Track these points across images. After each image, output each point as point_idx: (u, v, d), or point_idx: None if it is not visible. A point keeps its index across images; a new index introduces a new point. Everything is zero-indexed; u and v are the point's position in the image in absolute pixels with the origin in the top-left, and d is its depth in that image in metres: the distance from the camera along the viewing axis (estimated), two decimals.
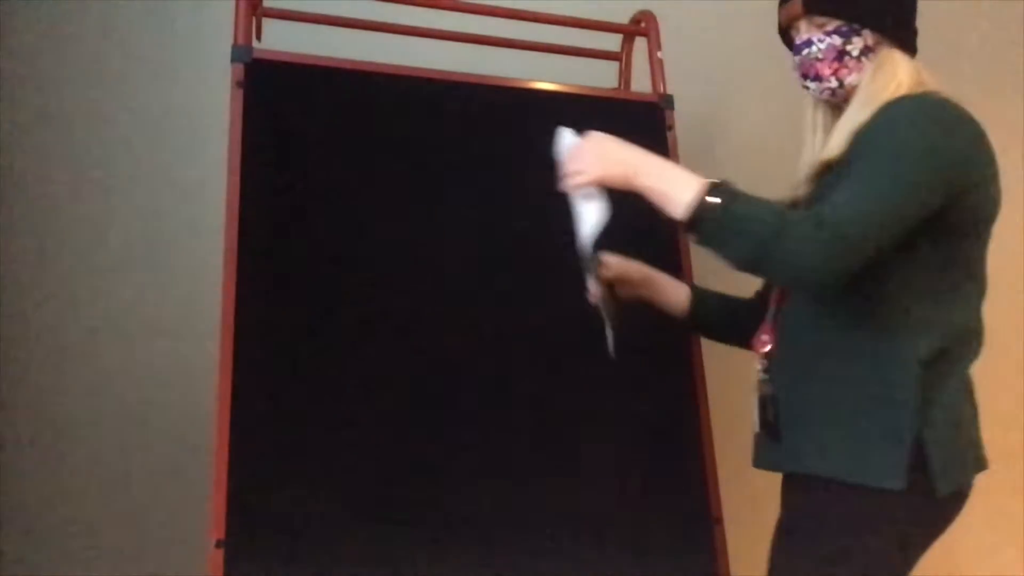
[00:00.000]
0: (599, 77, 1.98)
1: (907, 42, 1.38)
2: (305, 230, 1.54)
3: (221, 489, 1.38)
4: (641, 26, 1.91)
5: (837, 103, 1.40)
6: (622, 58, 1.96)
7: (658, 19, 1.91)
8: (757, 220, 1.17)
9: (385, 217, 1.60)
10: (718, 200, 1.19)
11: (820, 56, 1.36)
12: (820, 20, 1.36)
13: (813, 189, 1.38)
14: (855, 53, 1.35)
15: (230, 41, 1.58)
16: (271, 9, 1.72)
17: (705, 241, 1.22)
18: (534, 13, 1.85)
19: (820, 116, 1.44)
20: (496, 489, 1.54)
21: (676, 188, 1.23)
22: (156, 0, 2.00)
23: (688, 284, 1.65)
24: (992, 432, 2.64)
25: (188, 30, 2.01)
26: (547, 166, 1.66)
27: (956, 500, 1.32)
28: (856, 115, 1.32)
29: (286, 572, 1.39)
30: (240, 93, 1.54)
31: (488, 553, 1.51)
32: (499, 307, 1.63)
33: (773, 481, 1.45)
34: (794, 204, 1.40)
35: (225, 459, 1.39)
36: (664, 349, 1.72)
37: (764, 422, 1.39)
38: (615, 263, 1.57)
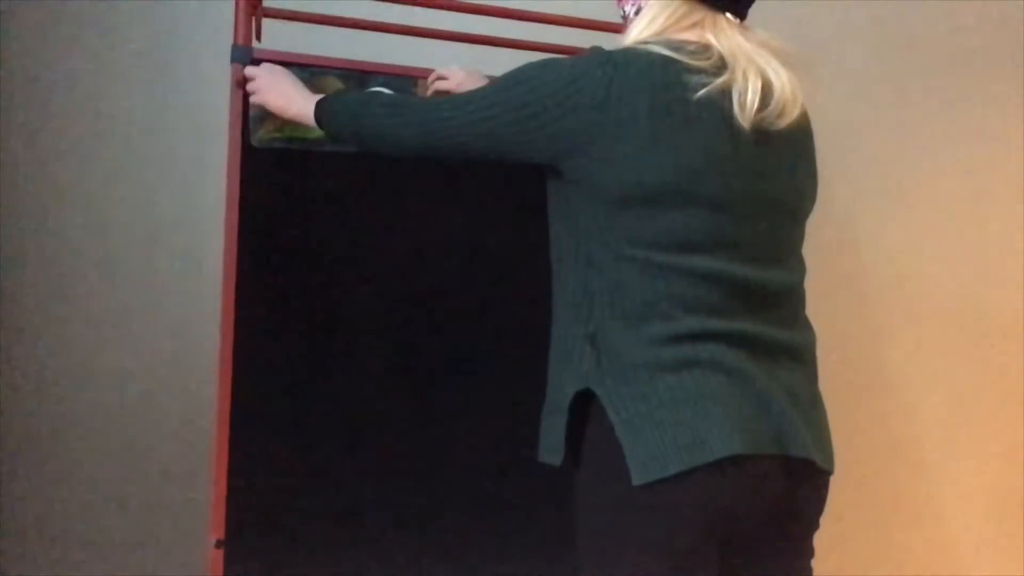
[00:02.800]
0: None
1: None
2: (305, 230, 1.54)
3: (221, 489, 1.38)
4: None
5: None
6: None
7: None
8: (347, 110, 1.34)
9: (385, 216, 1.60)
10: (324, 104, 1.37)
11: None
12: None
13: None
14: None
15: (230, 41, 1.58)
16: (271, 9, 1.72)
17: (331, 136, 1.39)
18: (534, 13, 1.85)
19: None
20: (496, 489, 1.54)
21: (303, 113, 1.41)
22: (156, 0, 2.00)
23: None
24: (993, 433, 2.65)
25: (188, 30, 2.01)
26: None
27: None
28: None
29: (286, 572, 1.39)
30: (240, 93, 1.54)
31: (488, 553, 1.51)
32: (499, 307, 1.63)
33: None
34: None
35: (225, 459, 1.39)
36: None
37: None
38: (455, 74, 1.63)
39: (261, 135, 1.54)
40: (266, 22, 1.74)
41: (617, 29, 1.92)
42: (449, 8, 1.81)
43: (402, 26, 1.81)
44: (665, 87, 1.10)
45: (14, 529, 1.90)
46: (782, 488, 1.11)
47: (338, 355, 1.51)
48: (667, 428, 1.06)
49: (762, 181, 1.15)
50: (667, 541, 1.06)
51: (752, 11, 1.36)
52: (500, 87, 1.18)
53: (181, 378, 1.98)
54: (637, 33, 1.21)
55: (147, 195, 1.99)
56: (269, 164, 1.54)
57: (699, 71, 1.12)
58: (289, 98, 1.44)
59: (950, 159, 2.63)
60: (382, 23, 1.78)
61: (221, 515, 1.37)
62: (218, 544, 1.36)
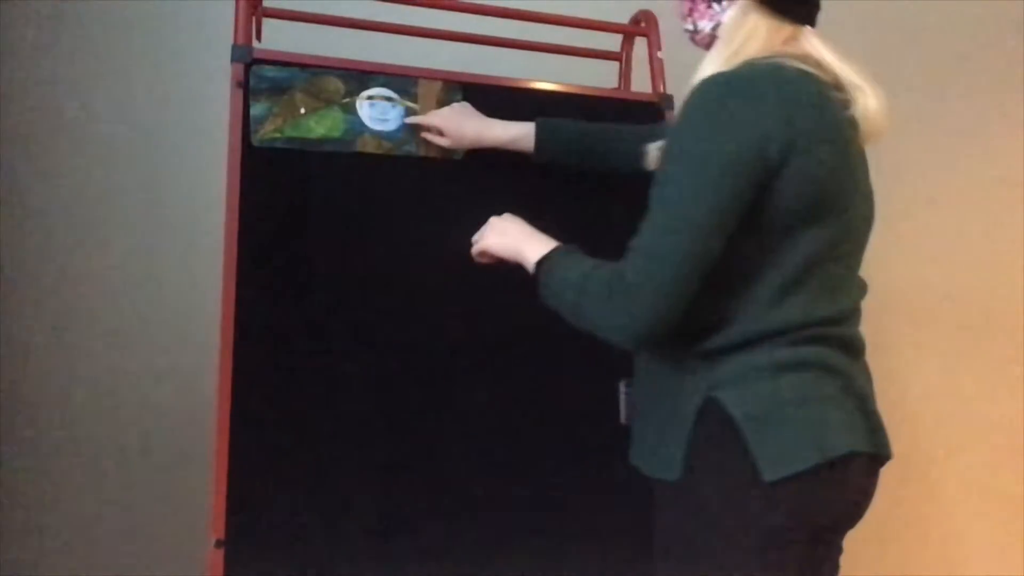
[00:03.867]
0: (599, 77, 1.98)
1: (777, 5, 1.20)
2: (306, 230, 1.54)
3: (221, 489, 1.38)
4: (641, 26, 1.91)
5: (702, 49, 1.30)
6: (622, 58, 1.96)
7: (658, 19, 1.91)
8: (568, 288, 1.19)
9: (385, 216, 1.60)
10: (540, 275, 1.26)
11: None
12: None
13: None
14: None
15: (230, 41, 1.58)
16: (271, 9, 1.72)
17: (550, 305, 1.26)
18: (534, 13, 1.85)
19: None
20: (496, 489, 1.54)
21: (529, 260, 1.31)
22: (156, 0, 2.00)
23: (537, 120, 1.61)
24: (993, 432, 2.65)
25: (188, 30, 2.01)
26: (547, 166, 1.66)
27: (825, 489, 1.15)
28: (697, 76, 1.22)
29: (286, 572, 1.39)
30: (240, 93, 1.54)
31: (487, 552, 1.51)
32: (499, 307, 1.63)
33: None
34: None
35: (225, 459, 1.39)
36: None
37: (626, 412, 1.38)
38: (454, 133, 1.61)
39: (261, 135, 1.54)
40: (266, 22, 1.74)
41: (616, 29, 1.93)
42: (449, 8, 1.81)
43: (402, 26, 1.81)
44: (822, 108, 1.13)
45: (14, 529, 1.90)
46: (870, 484, 1.20)
47: (338, 355, 1.51)
48: (796, 425, 1.12)
49: (865, 194, 1.23)
50: (787, 534, 1.11)
51: None
52: (692, 186, 1.10)
53: (181, 378, 1.98)
54: (737, 48, 1.21)
55: (147, 195, 1.99)
56: (269, 164, 1.54)
57: (835, 88, 1.17)
58: (518, 246, 1.35)
59: (951, 159, 2.63)
60: (382, 23, 1.78)
61: (221, 515, 1.37)
62: (218, 544, 1.36)
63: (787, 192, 1.11)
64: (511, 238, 1.37)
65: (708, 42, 1.29)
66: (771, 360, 1.14)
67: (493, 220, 1.41)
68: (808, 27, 1.23)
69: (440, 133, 1.62)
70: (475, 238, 1.43)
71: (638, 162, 1.61)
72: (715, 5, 1.25)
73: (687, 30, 1.31)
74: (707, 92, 1.14)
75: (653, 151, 1.33)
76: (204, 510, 1.91)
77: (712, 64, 1.22)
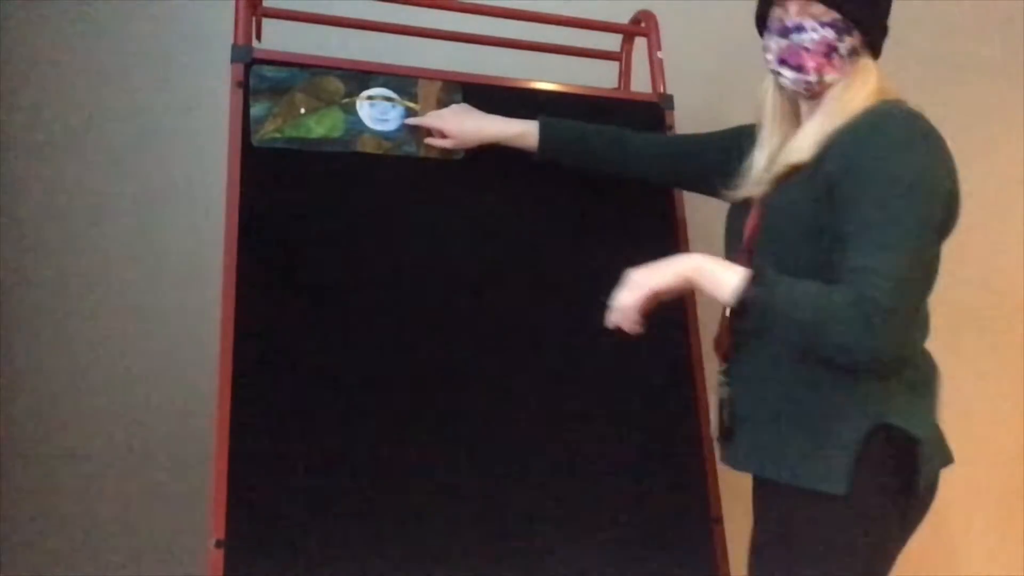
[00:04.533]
0: (599, 77, 1.98)
1: (880, 48, 1.37)
2: (305, 229, 1.54)
3: (221, 489, 1.38)
4: (641, 26, 1.91)
5: (804, 96, 1.36)
6: (622, 58, 1.96)
7: (658, 19, 1.91)
8: (798, 308, 1.18)
9: (385, 216, 1.60)
10: (759, 291, 1.21)
11: (809, 47, 1.30)
12: (818, 9, 1.29)
13: (774, 191, 1.34)
14: (844, 52, 1.30)
15: (230, 41, 1.58)
16: (271, 9, 1.72)
17: (755, 325, 1.28)
18: (534, 13, 1.85)
19: (783, 104, 1.39)
20: (495, 488, 1.54)
21: (722, 283, 1.24)
22: (156, 0, 2.00)
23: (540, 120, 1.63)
24: (993, 433, 2.65)
25: (188, 30, 2.01)
26: (546, 167, 1.66)
27: (929, 494, 1.35)
28: (829, 122, 1.29)
29: (286, 572, 1.39)
30: (240, 93, 1.54)
31: (488, 552, 1.51)
32: (498, 308, 1.63)
33: None
34: (746, 202, 1.39)
35: (225, 459, 1.39)
36: (664, 350, 1.72)
37: (720, 425, 1.40)
38: (455, 131, 1.61)
39: (261, 135, 1.54)
40: (266, 22, 1.74)
41: (616, 29, 1.93)
42: (449, 8, 1.81)
43: (402, 26, 1.81)
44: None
45: (14, 529, 1.90)
46: None
47: (338, 355, 1.51)
48: (941, 444, 1.35)
49: None
50: (910, 531, 1.33)
51: (747, 14, 1.37)
52: (922, 215, 1.20)
53: (181, 378, 1.98)
54: (870, 93, 1.31)
55: (147, 195, 1.99)
56: (269, 164, 1.54)
57: None
58: (676, 272, 1.28)
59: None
60: (382, 23, 1.78)
61: (221, 515, 1.37)
62: (218, 544, 1.36)
63: (947, 225, 1.27)
64: (671, 267, 1.29)
65: (817, 92, 1.34)
66: (925, 383, 1.33)
67: (630, 272, 1.32)
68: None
69: (441, 135, 1.62)
70: (614, 301, 1.32)
71: (643, 168, 1.63)
72: (847, 61, 1.32)
73: (806, 81, 1.32)
74: (908, 123, 1.23)
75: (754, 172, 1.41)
76: (204, 510, 1.91)
77: (846, 111, 1.29)
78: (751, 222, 1.36)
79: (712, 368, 1.76)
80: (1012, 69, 2.66)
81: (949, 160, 1.25)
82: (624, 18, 1.96)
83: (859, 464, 1.23)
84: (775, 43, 1.34)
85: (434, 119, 1.62)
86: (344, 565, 1.42)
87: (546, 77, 1.80)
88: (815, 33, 1.29)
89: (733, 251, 1.44)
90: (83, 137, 1.96)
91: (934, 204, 1.20)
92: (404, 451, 1.51)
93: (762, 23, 1.39)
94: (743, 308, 1.22)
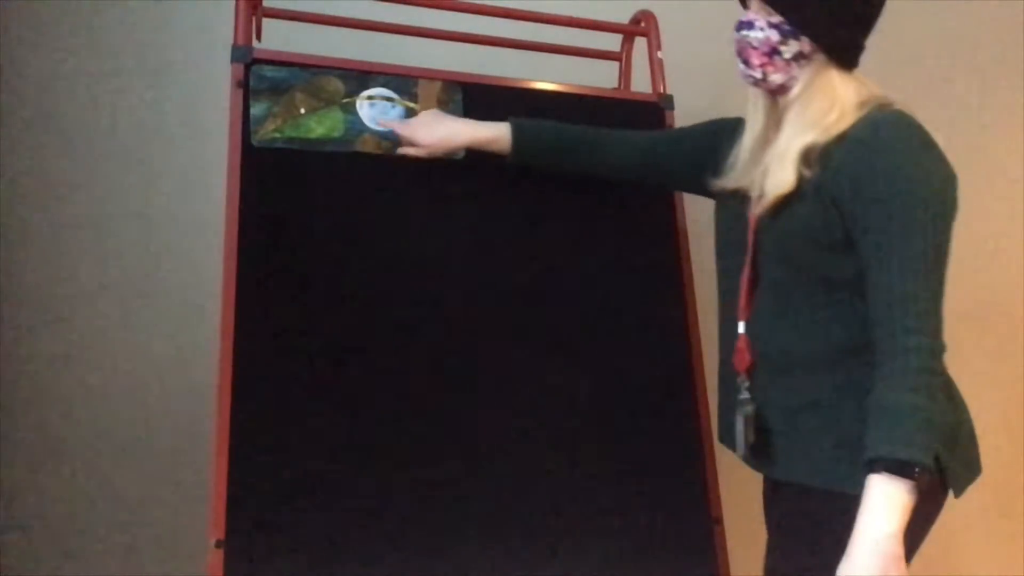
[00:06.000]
0: (599, 77, 1.98)
1: (845, 59, 1.33)
2: (306, 229, 1.54)
3: (221, 489, 1.38)
4: (641, 26, 1.91)
5: (762, 90, 1.39)
6: (622, 58, 1.96)
7: (658, 19, 1.91)
8: (933, 424, 1.20)
9: (385, 216, 1.59)
10: (922, 467, 1.17)
11: (755, 44, 1.33)
12: (769, 8, 1.31)
13: (771, 221, 1.33)
14: (787, 55, 1.32)
15: (230, 41, 1.58)
16: (271, 9, 1.72)
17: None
18: (534, 13, 1.85)
19: (759, 97, 1.42)
20: (495, 488, 1.54)
21: (901, 505, 1.18)
22: (156, 0, 2.00)
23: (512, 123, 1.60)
24: (994, 432, 2.65)
25: (188, 30, 2.01)
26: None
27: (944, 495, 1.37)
28: (797, 139, 1.30)
29: (286, 572, 1.39)
30: (240, 93, 1.54)
31: (488, 552, 1.51)
32: (498, 308, 1.63)
33: None
34: (742, 212, 1.39)
35: (225, 459, 1.39)
36: (665, 350, 1.72)
37: (747, 442, 1.38)
38: (426, 140, 1.58)
39: (261, 135, 1.54)
40: (266, 22, 1.74)
41: (616, 29, 1.93)
42: (449, 8, 1.81)
43: (402, 26, 1.81)
44: None
45: (14, 528, 1.90)
46: None
47: (338, 355, 1.51)
48: (968, 445, 1.39)
49: None
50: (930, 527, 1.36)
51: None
52: (940, 228, 1.23)
53: (181, 378, 1.98)
54: (844, 107, 1.31)
55: (147, 195, 1.99)
56: (269, 164, 1.54)
57: None
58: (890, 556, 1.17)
59: (952, 158, 2.62)
60: (382, 23, 1.78)
61: (221, 515, 1.37)
62: (218, 544, 1.36)
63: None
64: (881, 550, 1.17)
65: (774, 90, 1.36)
66: (947, 383, 1.33)
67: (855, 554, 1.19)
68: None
69: (412, 144, 1.59)
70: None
71: (618, 167, 1.62)
72: (794, 64, 1.32)
73: (751, 77, 1.36)
74: (909, 132, 1.24)
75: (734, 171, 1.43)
76: (204, 510, 1.91)
77: (817, 127, 1.30)
78: (751, 237, 1.37)
79: (712, 368, 1.76)
80: (1012, 70, 2.66)
81: (949, 164, 1.27)
82: (624, 18, 1.96)
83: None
84: (734, 36, 1.38)
85: (403, 128, 1.59)
86: (344, 565, 1.42)
87: (546, 77, 1.80)
88: (760, 32, 1.32)
89: (730, 260, 1.44)
90: (83, 137, 1.96)
91: (948, 212, 1.23)
92: (405, 451, 1.51)
93: None
94: (922, 478, 1.18)
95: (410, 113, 1.64)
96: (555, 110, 1.68)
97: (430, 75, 1.68)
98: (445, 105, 1.66)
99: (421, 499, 1.50)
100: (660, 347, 1.71)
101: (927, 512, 1.31)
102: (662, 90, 1.88)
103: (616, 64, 1.97)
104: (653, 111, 1.85)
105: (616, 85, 1.97)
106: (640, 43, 1.94)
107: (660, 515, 1.63)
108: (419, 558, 1.47)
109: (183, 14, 2.02)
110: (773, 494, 1.46)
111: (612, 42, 1.98)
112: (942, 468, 1.29)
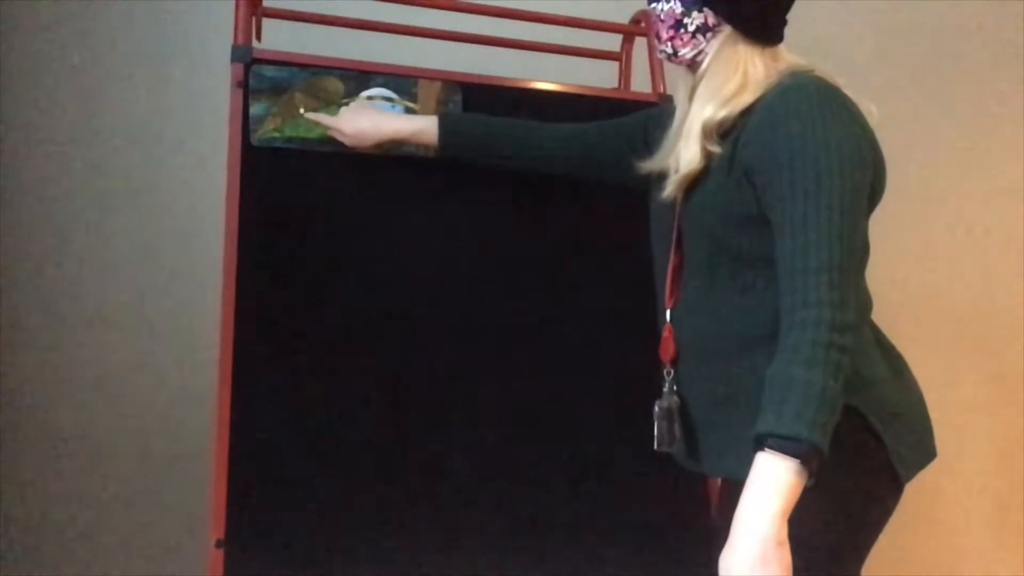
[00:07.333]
0: (599, 77, 1.98)
1: (758, 33, 1.27)
2: (305, 229, 1.54)
3: (221, 489, 1.38)
4: (641, 26, 1.91)
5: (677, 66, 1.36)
6: (622, 58, 1.96)
7: None
8: (827, 399, 1.07)
9: (385, 217, 1.60)
10: (814, 442, 1.06)
11: (662, 17, 1.30)
12: None
13: (688, 202, 1.29)
14: (691, 28, 1.28)
15: (230, 41, 1.58)
16: (271, 9, 1.72)
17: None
18: (534, 13, 1.85)
19: (683, 75, 1.37)
20: (495, 489, 1.54)
21: (785, 482, 1.07)
22: (156, 0, 2.01)
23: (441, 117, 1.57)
24: (994, 435, 2.65)
25: (188, 30, 2.01)
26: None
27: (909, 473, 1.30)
28: (698, 114, 1.26)
29: (286, 572, 1.39)
30: (240, 93, 1.54)
31: (488, 553, 1.51)
32: (498, 308, 1.63)
33: None
34: (670, 204, 1.33)
35: (225, 459, 1.39)
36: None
37: (669, 437, 1.33)
38: (349, 131, 1.55)
39: (261, 135, 1.54)
40: (266, 22, 1.74)
41: (616, 29, 1.93)
42: (449, 8, 1.81)
43: (402, 26, 1.81)
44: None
45: (14, 529, 1.90)
46: None
47: (338, 355, 1.51)
48: (917, 428, 1.31)
49: None
50: (888, 515, 1.29)
51: None
52: (847, 189, 1.14)
53: (181, 378, 1.98)
54: (742, 80, 1.27)
55: (147, 195, 1.99)
56: (269, 164, 1.54)
57: None
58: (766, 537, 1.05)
59: (952, 161, 2.63)
60: (382, 23, 1.78)
61: (221, 515, 1.37)
62: (218, 544, 1.36)
63: (875, 197, 1.24)
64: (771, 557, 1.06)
65: (688, 64, 1.33)
66: (887, 363, 1.28)
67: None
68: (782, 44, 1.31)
69: (340, 134, 1.57)
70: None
71: (549, 159, 1.60)
72: (699, 36, 1.29)
73: (664, 52, 1.33)
74: (816, 96, 1.18)
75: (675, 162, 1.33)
76: (204, 510, 1.91)
77: (716, 99, 1.26)
78: (677, 222, 1.32)
79: None
80: (1012, 71, 2.66)
81: (866, 127, 1.20)
82: (624, 18, 1.96)
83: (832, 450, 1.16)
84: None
85: (331, 120, 1.57)
86: (344, 565, 1.42)
87: (546, 77, 1.80)
88: (666, 5, 1.30)
89: (660, 247, 1.39)
90: (83, 137, 1.96)
91: (858, 177, 1.15)
92: (405, 451, 1.51)
93: None
94: (810, 456, 1.07)
95: (410, 113, 1.64)
96: (555, 110, 1.68)
97: (430, 75, 1.68)
98: (445, 105, 1.67)
99: (421, 499, 1.50)
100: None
101: (879, 498, 1.24)
102: (662, 90, 1.88)
103: (616, 64, 1.97)
104: None
105: (616, 85, 1.97)
106: (640, 43, 1.94)
107: (660, 515, 1.63)
108: (419, 558, 1.47)
109: (183, 14, 2.02)
110: (723, 490, 1.42)
111: (612, 42, 1.98)
112: (888, 450, 1.22)
